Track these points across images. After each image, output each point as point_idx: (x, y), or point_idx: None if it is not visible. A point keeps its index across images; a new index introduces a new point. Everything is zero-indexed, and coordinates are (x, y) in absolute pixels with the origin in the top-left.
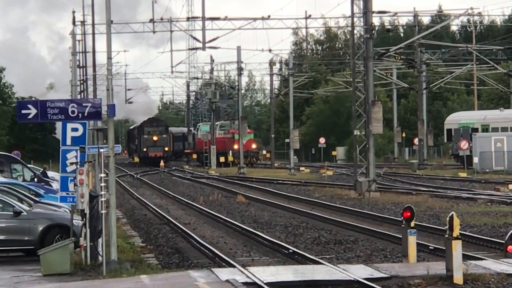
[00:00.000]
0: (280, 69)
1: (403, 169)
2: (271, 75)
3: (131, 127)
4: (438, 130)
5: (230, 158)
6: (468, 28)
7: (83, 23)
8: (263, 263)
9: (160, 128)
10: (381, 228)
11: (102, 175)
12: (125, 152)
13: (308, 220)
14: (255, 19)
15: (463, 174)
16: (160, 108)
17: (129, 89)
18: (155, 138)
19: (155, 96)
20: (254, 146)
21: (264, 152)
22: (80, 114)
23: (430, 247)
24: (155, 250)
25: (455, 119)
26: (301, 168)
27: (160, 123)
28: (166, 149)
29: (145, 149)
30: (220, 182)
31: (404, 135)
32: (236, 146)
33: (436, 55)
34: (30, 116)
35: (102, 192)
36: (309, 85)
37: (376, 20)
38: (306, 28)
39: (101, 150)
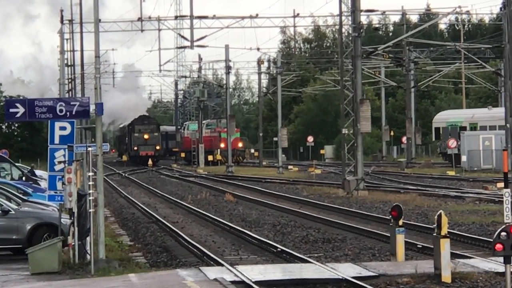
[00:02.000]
0: (268, 67)
1: (391, 167)
2: (259, 73)
3: (121, 126)
4: (426, 129)
5: (218, 157)
6: (456, 27)
7: (71, 21)
8: (251, 261)
9: (151, 126)
10: (369, 227)
11: (90, 173)
12: (113, 150)
13: (296, 219)
14: (243, 18)
15: (451, 173)
16: (149, 106)
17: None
18: (146, 136)
19: (143, 95)
20: (240, 144)
21: (252, 150)
22: (68, 113)
23: (418, 246)
24: (143, 248)
25: (443, 117)
26: (289, 167)
27: (151, 121)
28: (158, 147)
29: (136, 148)
30: (208, 181)
31: (392, 133)
32: (222, 145)
33: (424, 54)
34: (18, 115)
35: (90, 191)
36: (297, 84)
37: (364, 19)
38: (294, 26)
39: (89, 148)
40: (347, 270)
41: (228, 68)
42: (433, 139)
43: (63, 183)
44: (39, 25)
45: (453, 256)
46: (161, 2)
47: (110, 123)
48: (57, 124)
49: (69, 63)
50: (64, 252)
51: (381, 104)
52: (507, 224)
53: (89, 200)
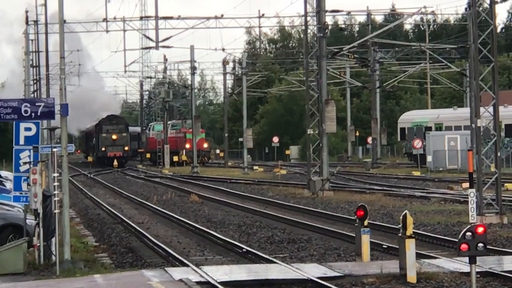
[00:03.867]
0: (234, 68)
1: (356, 168)
2: (225, 74)
3: (87, 126)
4: (391, 129)
5: (184, 158)
6: (421, 27)
7: (36, 22)
8: (217, 262)
9: (120, 126)
10: (335, 227)
11: (55, 174)
12: (79, 151)
13: (262, 219)
14: (208, 18)
15: (416, 173)
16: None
17: None
18: (114, 137)
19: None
20: (205, 145)
21: (218, 151)
22: (33, 114)
23: (384, 246)
24: (108, 249)
25: (409, 118)
26: (255, 167)
27: (120, 121)
28: (126, 148)
29: (103, 149)
30: (174, 182)
31: (357, 134)
32: (188, 145)
33: (390, 54)
34: None
35: (55, 192)
36: (262, 84)
37: (330, 19)
38: (260, 27)
39: (54, 149)
40: (312, 271)
41: (193, 69)
42: (399, 139)
43: (28, 184)
44: None
45: (419, 256)
46: (126, 3)
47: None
48: (22, 125)
49: (34, 64)
50: (29, 253)
51: (347, 104)
52: (472, 224)
53: (55, 201)
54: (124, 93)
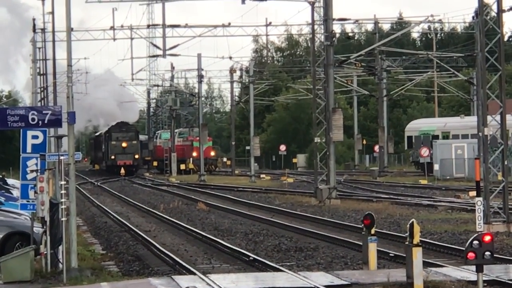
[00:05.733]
0: (241, 76)
1: (363, 176)
2: (232, 82)
3: (97, 133)
4: (398, 137)
5: (191, 166)
6: (428, 35)
7: (43, 30)
8: (224, 270)
9: (130, 133)
10: (342, 235)
11: (63, 182)
12: (86, 159)
13: (269, 228)
14: (215, 27)
15: (423, 181)
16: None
17: None
18: (124, 144)
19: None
20: (212, 153)
21: (225, 159)
22: (40, 122)
23: (391, 254)
24: (115, 257)
25: (416, 126)
26: (262, 176)
27: (130, 128)
28: (136, 156)
29: (113, 157)
30: (181, 190)
31: (364, 142)
32: (195, 154)
33: (397, 62)
34: None
35: (63, 200)
36: (269, 92)
37: (337, 27)
38: (267, 35)
39: (61, 157)
40: (319, 279)
41: (200, 77)
42: (406, 147)
43: (35, 192)
44: None
45: (426, 264)
46: (134, 11)
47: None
48: (29, 133)
49: (41, 72)
50: (36, 261)
51: (354, 112)
52: (479, 233)
53: (62, 209)
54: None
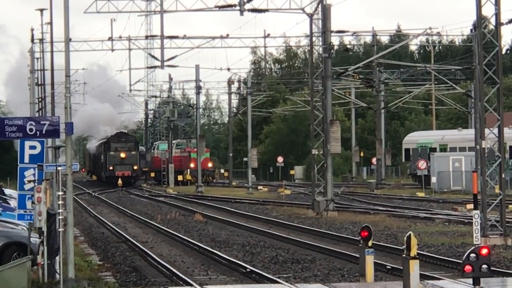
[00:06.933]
0: (239, 88)
1: (361, 188)
2: (230, 93)
3: (96, 144)
4: (396, 150)
5: (188, 177)
6: (427, 48)
7: (41, 40)
8: (221, 282)
9: (129, 144)
10: (339, 248)
11: (60, 193)
12: (83, 170)
13: (266, 239)
14: (213, 38)
15: (421, 194)
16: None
17: None
18: (122, 155)
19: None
20: (210, 164)
21: (222, 170)
22: (38, 132)
23: (388, 267)
24: (112, 268)
25: (413, 138)
26: (259, 187)
27: (129, 138)
28: (135, 167)
29: (111, 168)
30: (178, 201)
31: (362, 154)
32: (192, 165)
33: (395, 75)
34: None
35: (60, 210)
36: (267, 104)
37: (335, 40)
38: (265, 47)
39: (59, 168)
40: None
41: (198, 88)
42: (403, 160)
43: (32, 202)
44: None
45: (423, 277)
46: (132, 22)
47: (82, 139)
48: (27, 143)
49: (39, 82)
50: (33, 272)
51: (351, 125)
52: (476, 246)
53: (59, 219)
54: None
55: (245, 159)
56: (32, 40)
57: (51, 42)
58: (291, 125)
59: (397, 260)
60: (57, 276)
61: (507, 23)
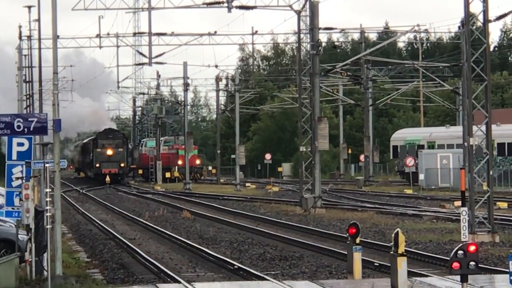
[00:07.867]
0: (227, 85)
1: (349, 185)
2: (217, 90)
3: (85, 140)
4: (384, 147)
5: (176, 174)
6: (414, 45)
7: (29, 37)
8: (208, 279)
9: (117, 141)
10: (327, 245)
11: (48, 190)
12: (71, 167)
13: (254, 236)
14: (201, 35)
15: (409, 191)
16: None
17: None
18: (109, 152)
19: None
20: (198, 161)
21: (210, 167)
22: (26, 129)
23: (375, 264)
24: (100, 265)
25: (401, 136)
26: (247, 184)
27: (117, 135)
28: (122, 165)
29: (97, 165)
30: (166, 198)
31: (350, 151)
32: (180, 162)
33: (383, 72)
34: None
35: (48, 207)
36: (255, 101)
37: (323, 37)
38: (253, 44)
39: (47, 165)
40: None
41: (186, 85)
42: (391, 157)
43: (20, 199)
44: None
45: (410, 274)
46: (120, 19)
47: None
48: (15, 140)
49: (27, 79)
50: (21, 268)
51: (339, 122)
52: (464, 243)
53: (47, 216)
54: (117, 109)
55: (233, 156)
56: (20, 37)
57: (39, 39)
58: (279, 122)
59: (385, 257)
60: (45, 273)
61: (495, 20)
